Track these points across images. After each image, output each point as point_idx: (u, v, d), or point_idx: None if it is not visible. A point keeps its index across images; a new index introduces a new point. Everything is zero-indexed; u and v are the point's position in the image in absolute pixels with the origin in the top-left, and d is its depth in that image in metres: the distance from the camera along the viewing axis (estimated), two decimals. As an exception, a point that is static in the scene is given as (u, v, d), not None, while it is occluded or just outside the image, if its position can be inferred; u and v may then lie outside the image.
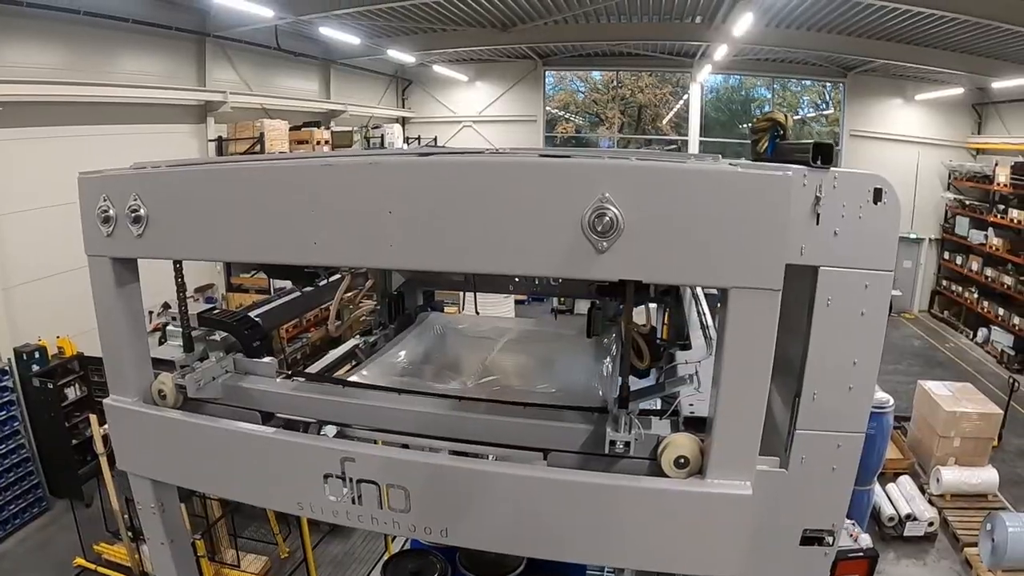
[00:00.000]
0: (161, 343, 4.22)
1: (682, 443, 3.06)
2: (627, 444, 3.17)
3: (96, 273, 3.39)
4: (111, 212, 3.21)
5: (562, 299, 21.90)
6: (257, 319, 4.42)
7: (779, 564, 3.44)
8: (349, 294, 5.33)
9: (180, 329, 3.90)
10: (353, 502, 3.09)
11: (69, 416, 11.89)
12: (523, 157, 2.84)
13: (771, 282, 2.62)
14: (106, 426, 9.33)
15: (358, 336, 5.62)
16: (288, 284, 5.48)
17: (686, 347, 4.52)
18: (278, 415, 3.64)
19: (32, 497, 11.54)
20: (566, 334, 5.64)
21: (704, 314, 4.90)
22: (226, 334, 4.20)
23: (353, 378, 4.45)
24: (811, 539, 3.37)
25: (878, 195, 2.86)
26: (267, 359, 4.12)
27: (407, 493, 3.03)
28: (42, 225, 11.59)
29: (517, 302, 20.30)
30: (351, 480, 3.05)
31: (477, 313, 5.81)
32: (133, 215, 3.14)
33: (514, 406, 3.70)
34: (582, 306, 21.42)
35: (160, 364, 3.82)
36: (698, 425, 3.35)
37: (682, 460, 3.01)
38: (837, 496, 3.32)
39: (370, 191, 2.83)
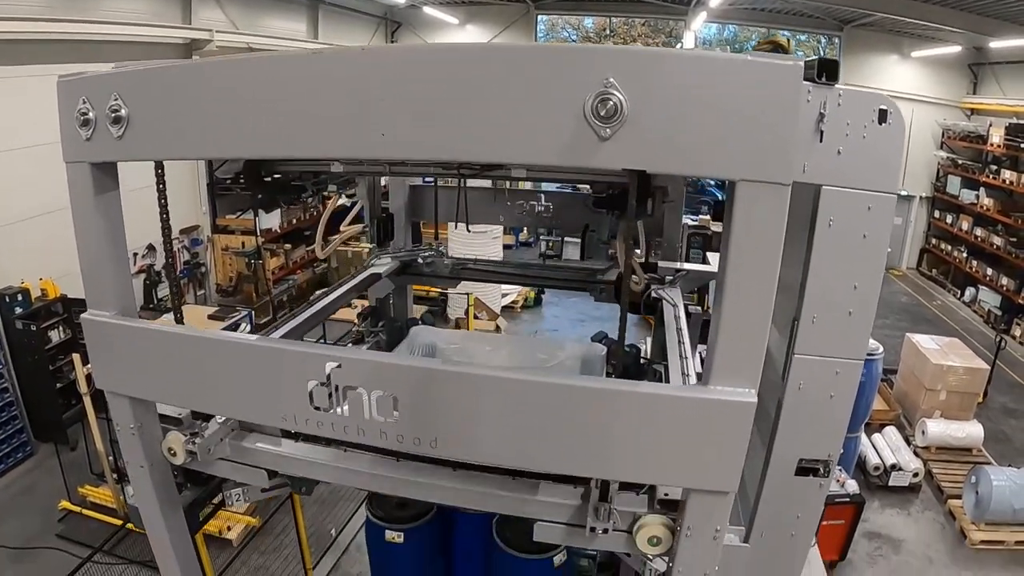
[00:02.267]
0: (147, 287, 4.16)
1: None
2: None
3: (75, 181, 3.28)
4: (91, 115, 3.10)
5: (551, 244, 21.82)
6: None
7: (773, 494, 3.40)
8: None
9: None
10: (339, 411, 3.00)
11: (53, 359, 11.78)
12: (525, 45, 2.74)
13: (780, 175, 2.51)
14: (90, 366, 9.27)
15: (350, 345, 5.72)
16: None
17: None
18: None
19: (16, 442, 11.43)
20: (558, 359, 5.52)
21: (684, 343, 4.86)
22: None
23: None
24: (806, 469, 3.33)
25: (883, 116, 2.80)
26: None
27: (395, 401, 2.93)
28: (24, 166, 11.37)
29: (505, 247, 20.17)
30: (337, 387, 2.95)
31: (468, 230, 5.64)
32: (113, 115, 3.03)
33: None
34: (570, 250, 21.47)
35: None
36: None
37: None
38: (834, 425, 3.28)
39: (361, 80, 2.72)
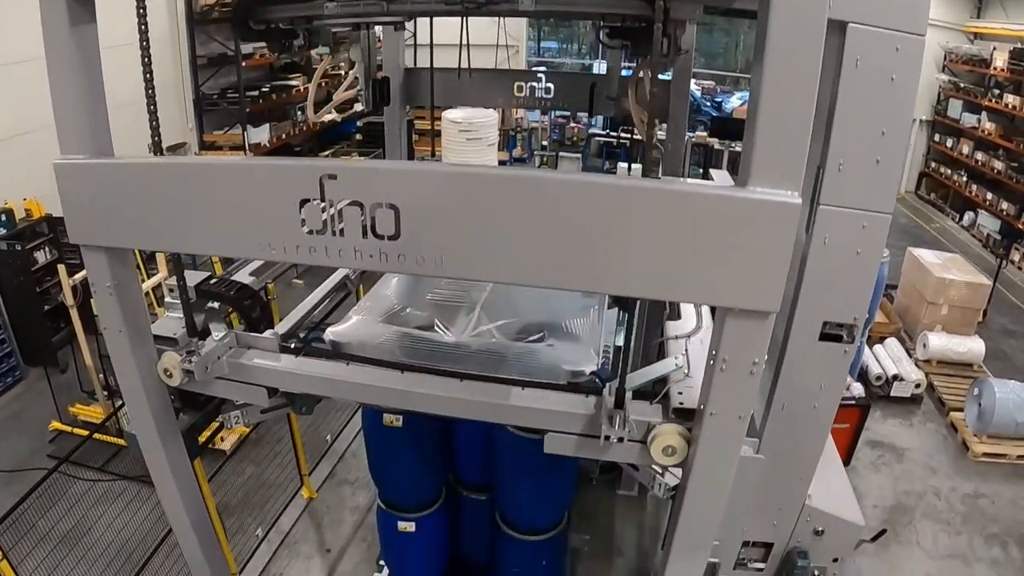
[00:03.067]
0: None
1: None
2: None
3: (48, 11, 2.99)
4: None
5: (545, 160, 21.49)
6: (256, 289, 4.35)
7: (795, 361, 3.24)
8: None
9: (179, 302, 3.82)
10: (334, 233, 2.75)
11: (40, 281, 11.52)
12: None
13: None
14: (77, 276, 9.12)
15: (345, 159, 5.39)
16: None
17: (674, 317, 4.42)
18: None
19: (5, 366, 11.21)
20: None
21: None
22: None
23: (347, 327, 4.47)
24: (831, 335, 3.17)
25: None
26: (268, 333, 4.08)
27: (397, 214, 2.66)
28: (5, 84, 10.96)
29: (501, 162, 19.85)
30: (332, 204, 2.71)
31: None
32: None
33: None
34: (566, 165, 21.09)
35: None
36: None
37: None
38: (860, 286, 3.09)
39: None
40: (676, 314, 4.51)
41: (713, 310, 4.75)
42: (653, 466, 3.55)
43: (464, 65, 5.54)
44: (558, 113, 22.27)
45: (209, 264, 10.26)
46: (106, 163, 3.12)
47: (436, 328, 4.44)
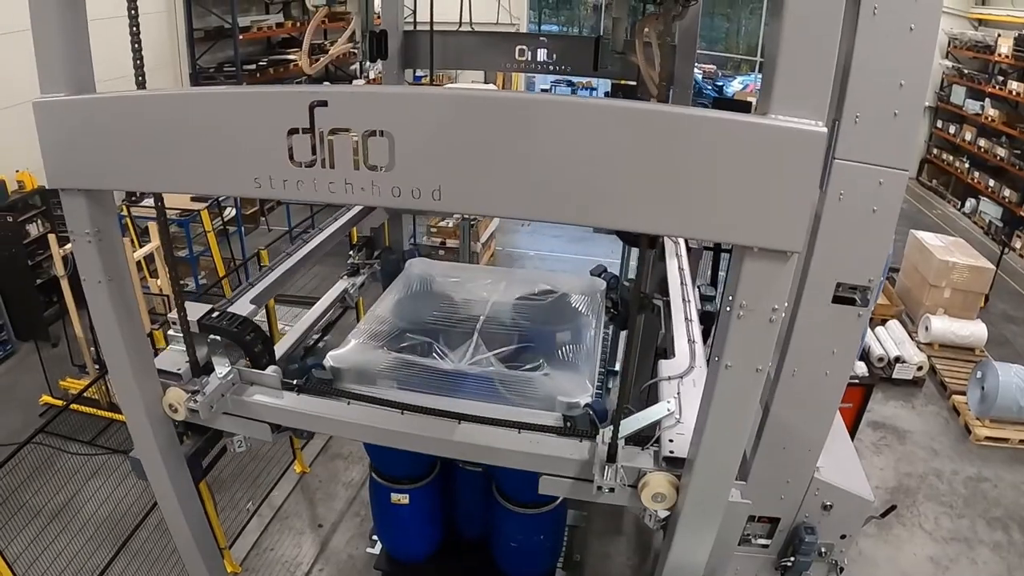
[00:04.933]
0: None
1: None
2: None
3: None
4: None
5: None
6: (257, 324, 4.34)
7: (807, 324, 3.11)
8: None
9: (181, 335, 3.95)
10: (323, 165, 2.60)
11: (32, 255, 11.39)
12: None
13: None
14: (68, 246, 9.00)
15: (346, 277, 5.96)
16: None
17: (668, 355, 4.43)
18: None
19: (-4, 340, 11.14)
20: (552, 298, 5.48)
21: (691, 319, 4.78)
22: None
23: (346, 352, 4.60)
24: (844, 297, 3.04)
25: None
26: (271, 369, 4.15)
27: (391, 141, 2.50)
28: (-5, 55, 10.80)
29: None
30: (321, 133, 2.55)
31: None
32: None
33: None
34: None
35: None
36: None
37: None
38: (875, 246, 2.95)
39: None
40: (670, 352, 4.51)
41: (707, 335, 4.86)
42: None
43: (464, 26, 5.45)
44: (559, 85, 22.17)
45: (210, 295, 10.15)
46: (86, 99, 2.94)
47: (435, 354, 4.55)
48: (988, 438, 9.73)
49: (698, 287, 5.64)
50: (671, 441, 3.61)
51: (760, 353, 2.82)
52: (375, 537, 6.43)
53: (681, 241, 5.77)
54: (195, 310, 4.09)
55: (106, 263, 3.32)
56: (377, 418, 3.96)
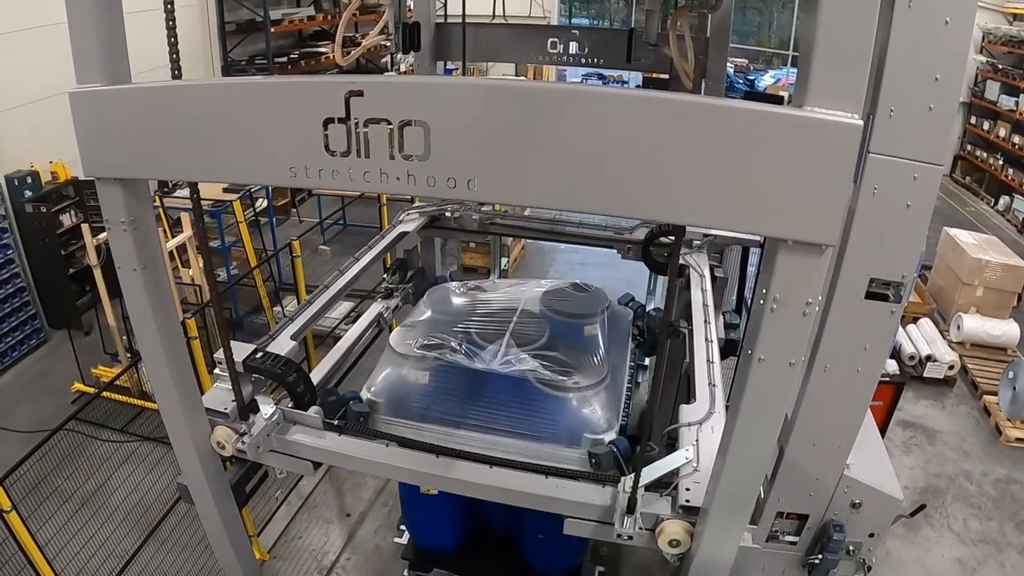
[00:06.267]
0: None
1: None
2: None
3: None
4: None
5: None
6: (302, 367, 4.54)
7: (839, 320, 3.09)
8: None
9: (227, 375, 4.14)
10: (359, 154, 2.62)
11: (65, 244, 11.59)
12: None
13: None
14: (101, 236, 9.11)
15: (380, 300, 6.18)
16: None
17: (690, 399, 4.52)
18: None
19: (29, 328, 11.34)
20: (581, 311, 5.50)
21: (712, 360, 4.85)
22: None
23: (380, 386, 4.81)
24: (877, 293, 3.01)
25: None
26: (312, 410, 4.35)
27: (427, 131, 2.51)
28: (31, 47, 11.00)
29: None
30: (357, 122, 2.57)
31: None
32: None
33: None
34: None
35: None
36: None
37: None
38: (910, 241, 2.91)
39: None
40: (691, 394, 4.59)
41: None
42: None
43: (497, 19, 5.47)
44: (590, 79, 22.07)
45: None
46: (123, 89, 2.98)
47: (465, 354, 4.71)
48: (1019, 439, 9.59)
49: (723, 314, 5.78)
50: (688, 490, 3.74)
51: (793, 347, 2.81)
52: (403, 527, 6.46)
53: (706, 271, 5.88)
54: (240, 350, 4.25)
55: (140, 251, 3.35)
56: (414, 461, 4.15)
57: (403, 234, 6.31)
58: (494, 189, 2.66)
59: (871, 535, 3.72)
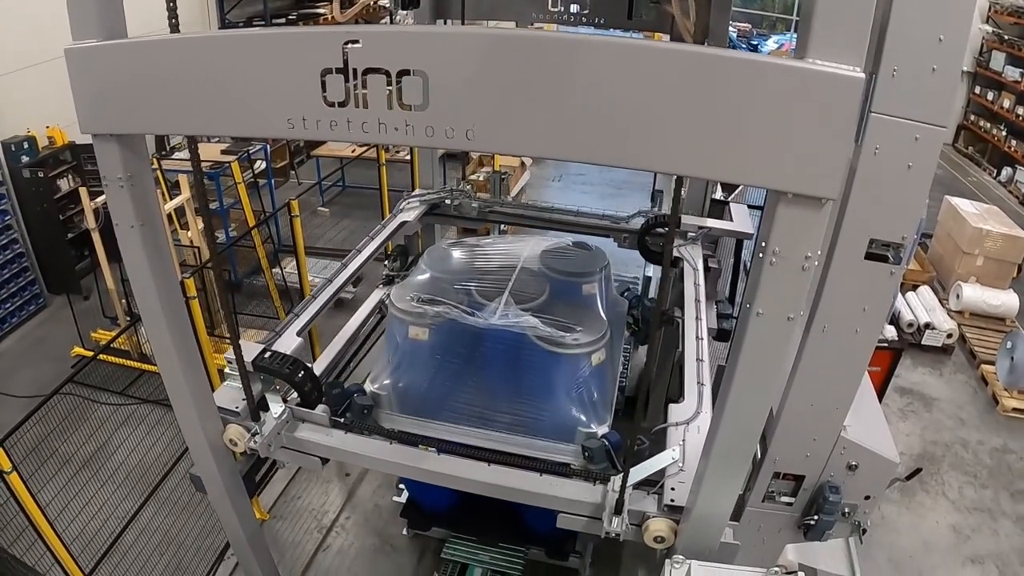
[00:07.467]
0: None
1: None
2: None
3: None
4: None
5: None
6: (309, 366, 4.67)
7: (838, 280, 3.08)
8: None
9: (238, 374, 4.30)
10: (357, 104, 2.60)
11: (63, 209, 11.53)
12: None
13: None
14: (99, 199, 9.07)
15: (382, 287, 6.31)
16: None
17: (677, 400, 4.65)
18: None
19: (28, 294, 11.30)
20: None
21: (702, 358, 4.97)
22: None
23: (382, 381, 4.92)
24: (877, 254, 3.00)
25: None
26: (319, 409, 4.57)
27: (425, 80, 2.50)
28: (26, 10, 10.86)
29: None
30: (355, 72, 2.55)
31: None
32: None
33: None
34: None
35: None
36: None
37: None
38: (910, 203, 2.90)
39: None
40: (679, 395, 4.71)
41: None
42: None
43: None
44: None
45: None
46: (119, 43, 2.95)
47: (465, 311, 4.74)
48: (1016, 409, 9.60)
49: (716, 303, 5.94)
50: (673, 489, 3.95)
51: (791, 301, 2.82)
52: (402, 486, 6.49)
53: (700, 264, 6.00)
54: (249, 350, 4.39)
55: (138, 208, 3.35)
56: (417, 458, 4.37)
57: (404, 223, 6.46)
58: (492, 139, 2.65)
59: (867, 497, 3.74)
